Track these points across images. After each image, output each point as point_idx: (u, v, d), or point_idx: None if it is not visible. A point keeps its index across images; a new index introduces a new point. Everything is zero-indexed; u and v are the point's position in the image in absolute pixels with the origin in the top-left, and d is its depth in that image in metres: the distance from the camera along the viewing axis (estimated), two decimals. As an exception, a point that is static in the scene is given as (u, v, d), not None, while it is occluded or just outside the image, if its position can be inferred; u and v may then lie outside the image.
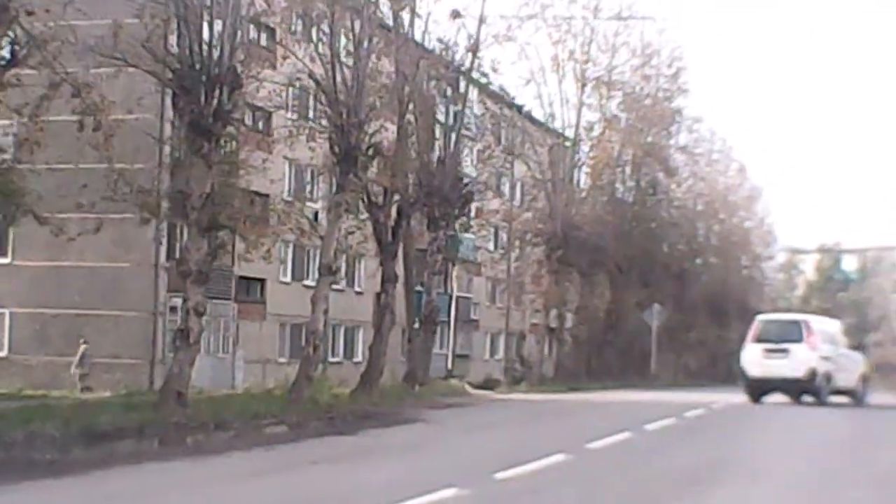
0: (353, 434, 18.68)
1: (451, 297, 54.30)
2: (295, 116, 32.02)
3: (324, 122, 27.82)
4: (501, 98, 38.53)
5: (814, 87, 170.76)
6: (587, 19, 50.46)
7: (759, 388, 31.75)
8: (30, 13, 18.86)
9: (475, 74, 35.49)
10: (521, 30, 39.04)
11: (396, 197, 31.49)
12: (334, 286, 32.39)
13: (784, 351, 30.80)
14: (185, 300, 22.34)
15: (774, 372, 30.89)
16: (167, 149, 30.50)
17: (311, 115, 31.00)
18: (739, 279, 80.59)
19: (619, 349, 58.88)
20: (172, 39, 23.42)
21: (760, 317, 35.07)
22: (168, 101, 28.08)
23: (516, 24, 37.58)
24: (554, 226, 49.15)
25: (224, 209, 22.82)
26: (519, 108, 49.30)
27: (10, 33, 19.12)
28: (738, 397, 36.94)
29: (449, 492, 11.18)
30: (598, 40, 51.82)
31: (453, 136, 35.03)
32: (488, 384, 46.34)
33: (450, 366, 51.55)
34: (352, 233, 30.59)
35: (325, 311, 26.60)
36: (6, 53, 19.50)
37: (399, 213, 31.89)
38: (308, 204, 38.06)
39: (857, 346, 34.29)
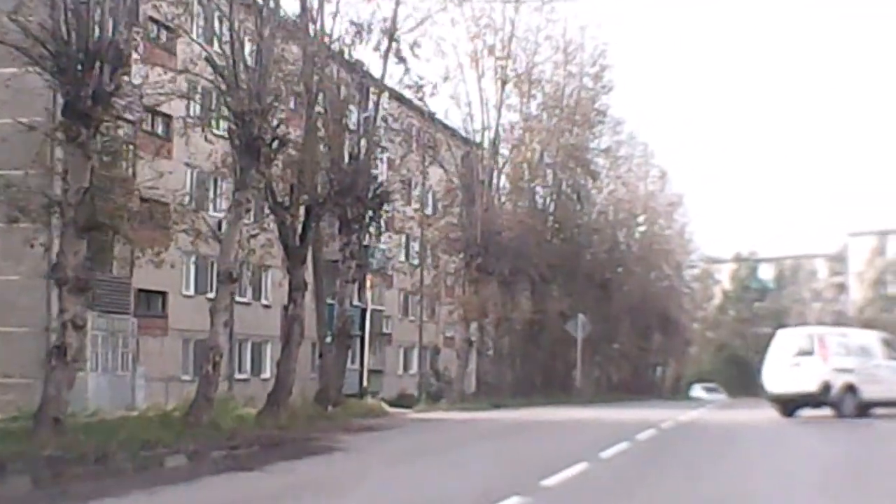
0: (259, 468, 15.71)
1: (364, 310, 51.53)
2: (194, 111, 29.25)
3: (224, 111, 24.93)
4: (417, 89, 35.62)
5: (732, 93, 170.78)
6: (507, 12, 48.28)
7: (781, 404, 31.23)
8: None
9: (392, 60, 32.66)
10: (436, 23, 36.61)
11: (304, 196, 28.59)
12: (240, 299, 29.48)
13: (797, 365, 30.47)
14: (61, 311, 19.26)
15: (791, 387, 30.51)
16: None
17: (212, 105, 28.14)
18: (660, 288, 78.94)
19: (541, 362, 56.54)
20: (46, 12, 20.42)
21: (781, 331, 34.35)
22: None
23: (436, 6, 35.10)
24: (473, 232, 46.69)
25: (106, 205, 19.83)
26: (431, 115, 46.67)
27: None
28: (680, 413, 34.91)
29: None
30: (518, 35, 49.64)
31: (367, 131, 32.36)
32: (403, 401, 44.05)
33: (363, 382, 48.85)
34: (254, 235, 27.56)
35: (227, 324, 23.55)
36: None
37: (307, 214, 28.98)
38: (211, 213, 35.10)
39: None
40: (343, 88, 31.48)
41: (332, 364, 31.62)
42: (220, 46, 24.18)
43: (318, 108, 29.82)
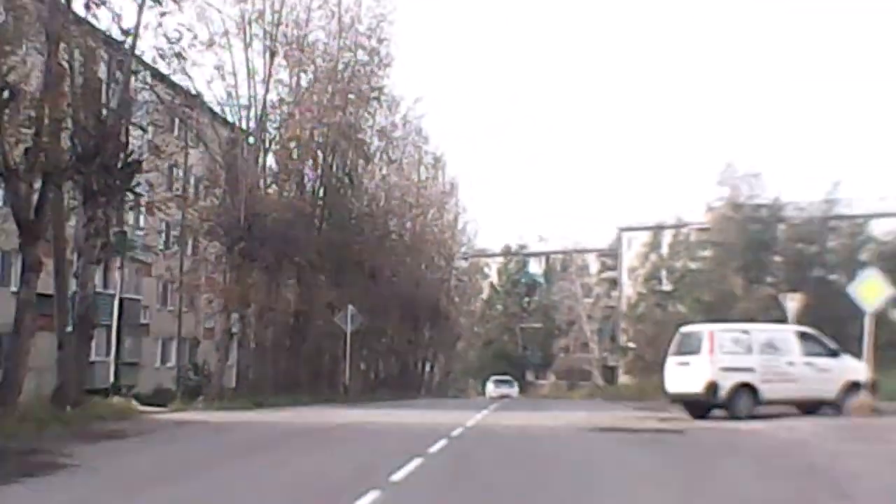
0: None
1: (116, 298, 47.65)
2: None
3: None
4: (176, 56, 32.11)
5: (509, 82, 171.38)
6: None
7: (682, 404, 30.30)
8: None
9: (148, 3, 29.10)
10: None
11: (42, 162, 24.94)
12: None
13: (686, 364, 29.46)
14: None
15: (680, 387, 29.68)
16: None
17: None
18: (431, 281, 77.13)
19: (308, 357, 53.66)
20: None
21: (682, 328, 31.88)
22: None
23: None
24: (236, 215, 43.47)
25: None
26: (192, 96, 43.15)
27: None
28: (463, 415, 32.76)
29: None
30: (289, 1, 46.64)
31: (118, 91, 28.83)
32: (160, 397, 40.99)
33: (114, 376, 45.18)
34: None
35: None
36: None
37: (45, 182, 25.37)
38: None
39: (834, 353, 30.51)
40: (91, 40, 27.81)
41: (72, 357, 27.97)
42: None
43: (62, 58, 26.15)
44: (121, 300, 48.43)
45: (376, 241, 59.07)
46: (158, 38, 30.14)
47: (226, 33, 44.18)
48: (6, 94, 21.16)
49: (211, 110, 45.86)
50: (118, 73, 29.49)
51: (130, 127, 30.24)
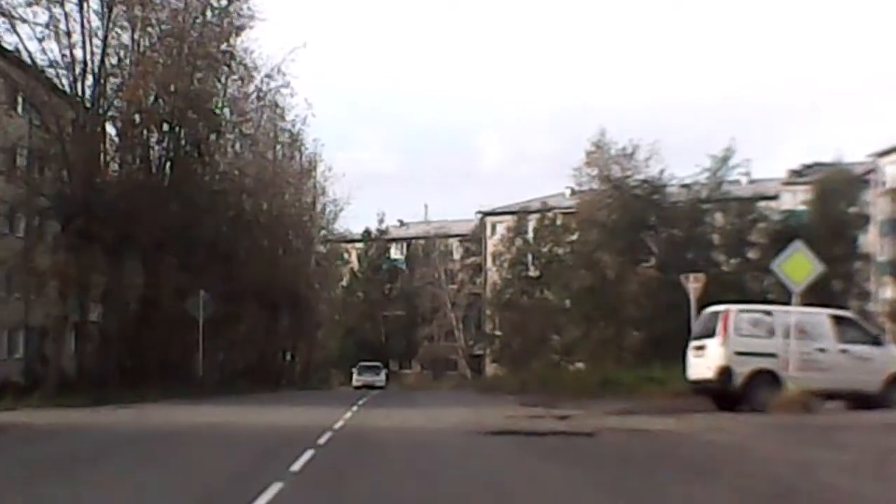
0: None
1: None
2: None
3: None
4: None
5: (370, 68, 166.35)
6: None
7: (702, 393, 27.44)
8: None
9: None
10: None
11: None
12: None
13: (701, 348, 26.89)
14: None
15: (697, 373, 27.11)
16: None
17: None
18: (289, 265, 72.13)
19: (157, 347, 48.37)
20: None
21: (706, 309, 28.78)
22: None
23: None
24: (72, 189, 38.34)
25: None
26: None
27: None
28: (329, 413, 28.47)
29: None
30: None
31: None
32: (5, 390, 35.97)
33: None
34: None
35: None
36: None
37: None
38: None
39: (877, 341, 26.46)
40: None
41: None
42: None
43: None
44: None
45: (230, 222, 53.96)
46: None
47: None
48: None
49: (43, 73, 40.62)
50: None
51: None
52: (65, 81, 41.75)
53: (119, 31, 42.92)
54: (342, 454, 17.28)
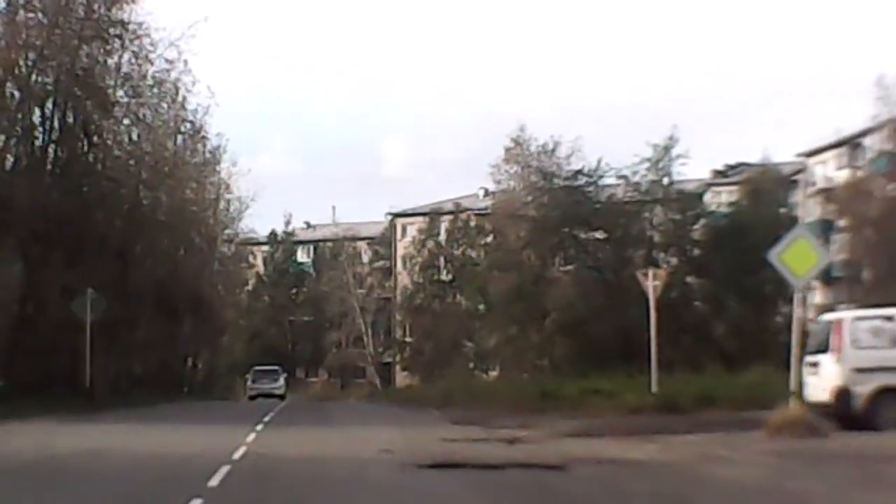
0: None
1: None
2: None
3: None
4: None
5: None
6: None
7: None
8: None
9: None
10: None
11: None
12: None
13: (815, 365, 22.06)
14: None
15: (814, 395, 21.80)
16: None
17: None
18: (192, 266, 66.10)
19: (40, 354, 42.19)
20: None
21: (821, 318, 25.10)
22: None
23: None
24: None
25: None
26: None
27: None
28: (229, 436, 23.23)
29: None
30: None
31: None
32: None
33: None
34: None
35: None
36: None
37: None
38: None
39: None
40: None
41: None
42: None
43: None
44: None
45: (125, 216, 47.93)
46: None
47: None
48: None
49: None
50: None
51: None
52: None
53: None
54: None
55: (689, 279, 44.36)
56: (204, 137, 62.94)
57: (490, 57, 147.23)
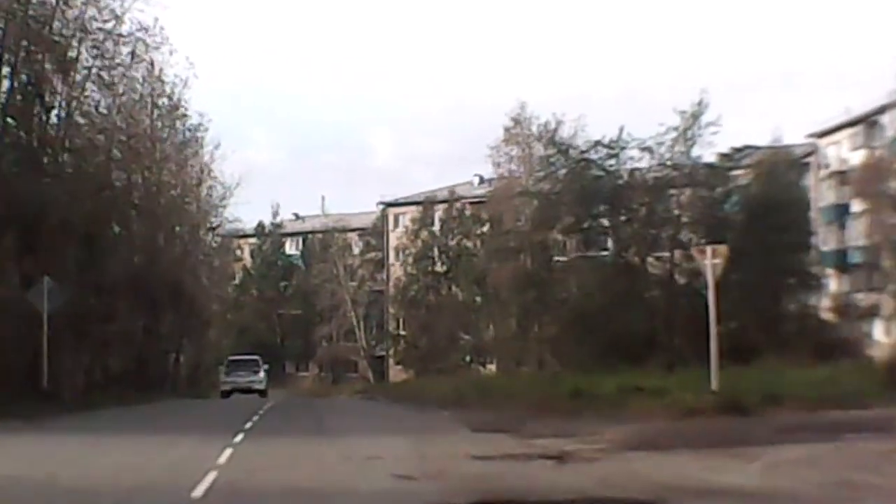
0: None
1: None
2: None
3: None
4: None
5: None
6: None
7: None
8: None
9: None
10: None
11: None
12: None
13: None
14: None
15: None
16: None
17: None
18: (171, 256, 60.39)
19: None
20: None
21: None
22: None
23: None
24: None
25: None
26: None
27: None
28: (199, 451, 17.78)
29: None
30: None
31: None
32: None
33: None
34: None
35: None
36: None
37: None
38: None
39: None
40: None
41: None
42: None
43: None
44: None
45: (93, 195, 42.08)
46: None
47: None
48: None
49: None
50: None
51: None
52: None
53: None
54: None
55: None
56: (184, 115, 57.07)
57: (484, 47, 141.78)
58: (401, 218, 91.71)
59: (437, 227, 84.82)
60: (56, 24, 36.92)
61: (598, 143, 37.96)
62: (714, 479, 13.85)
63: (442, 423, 25.50)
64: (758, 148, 60.56)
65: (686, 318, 38.83)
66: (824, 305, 56.53)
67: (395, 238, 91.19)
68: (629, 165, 38.93)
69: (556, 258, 40.02)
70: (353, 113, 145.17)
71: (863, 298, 61.67)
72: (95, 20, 38.86)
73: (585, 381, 28.06)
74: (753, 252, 38.20)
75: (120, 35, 41.22)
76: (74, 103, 40.28)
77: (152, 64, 49.36)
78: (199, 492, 12.49)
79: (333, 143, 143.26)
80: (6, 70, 35.20)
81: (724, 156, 72.92)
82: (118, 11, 39.65)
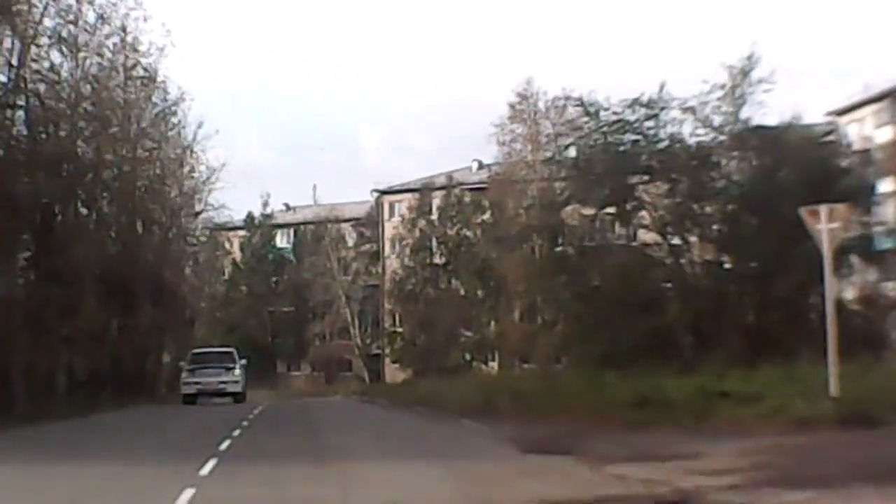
0: None
1: None
2: None
3: None
4: None
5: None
6: None
7: None
8: None
9: None
10: None
11: None
12: None
13: None
14: None
15: None
16: None
17: None
18: (150, 245, 54.47)
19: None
20: None
21: None
22: None
23: None
24: None
25: None
26: None
27: None
28: (140, 490, 12.00)
29: None
30: None
31: None
32: None
33: None
34: None
35: None
36: None
37: None
38: None
39: None
40: None
41: None
42: None
43: None
44: None
45: (53, 171, 36.13)
46: None
47: None
48: None
49: None
50: None
51: None
52: None
53: None
54: None
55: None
56: (162, 89, 50.94)
57: (483, 37, 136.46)
58: (396, 206, 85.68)
59: (434, 216, 79.15)
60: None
61: (635, 101, 31.95)
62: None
63: (475, 440, 19.58)
64: (772, 128, 55.35)
65: (738, 309, 33.33)
66: (849, 296, 51.31)
67: (390, 228, 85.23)
68: (668, 130, 33.23)
69: (585, 241, 34.27)
70: (345, 107, 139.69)
71: (893, 288, 57.08)
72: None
73: (650, 384, 22.22)
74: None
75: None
76: (28, 59, 34.18)
77: (124, 30, 43.60)
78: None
79: (326, 138, 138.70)
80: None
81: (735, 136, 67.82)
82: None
